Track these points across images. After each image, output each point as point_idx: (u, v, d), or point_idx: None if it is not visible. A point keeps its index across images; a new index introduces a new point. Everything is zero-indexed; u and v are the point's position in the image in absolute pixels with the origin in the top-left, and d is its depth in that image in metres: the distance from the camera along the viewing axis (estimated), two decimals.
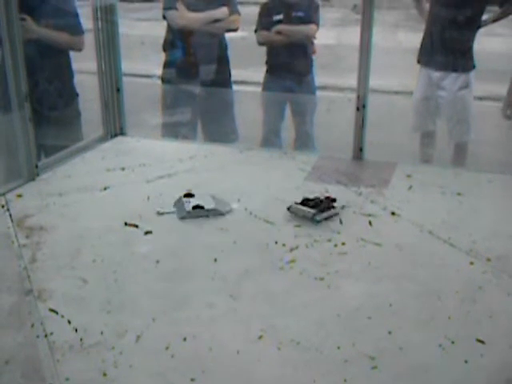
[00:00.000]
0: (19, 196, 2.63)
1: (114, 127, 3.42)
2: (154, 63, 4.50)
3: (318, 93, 4.53)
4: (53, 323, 1.75)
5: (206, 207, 2.43)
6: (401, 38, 7.56)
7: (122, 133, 3.45)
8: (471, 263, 2.08)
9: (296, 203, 2.43)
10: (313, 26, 4.19)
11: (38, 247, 2.18)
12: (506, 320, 1.77)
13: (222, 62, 4.20)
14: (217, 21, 4.07)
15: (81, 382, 1.54)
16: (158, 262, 2.08)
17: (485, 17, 4.02)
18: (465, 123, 4.12)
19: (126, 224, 2.35)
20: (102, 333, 1.70)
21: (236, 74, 4.36)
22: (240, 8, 4.16)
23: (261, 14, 4.29)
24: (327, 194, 2.54)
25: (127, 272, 2.03)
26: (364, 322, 1.76)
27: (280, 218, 2.40)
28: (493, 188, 2.74)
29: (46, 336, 1.69)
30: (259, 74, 4.43)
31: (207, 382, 1.53)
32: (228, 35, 4.20)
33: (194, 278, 2.00)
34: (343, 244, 2.20)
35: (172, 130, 4.21)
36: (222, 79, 4.23)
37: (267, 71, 4.36)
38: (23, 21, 3.07)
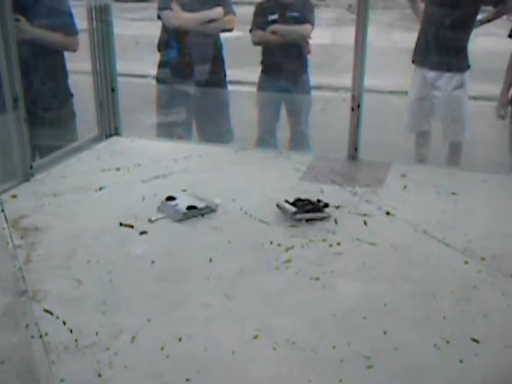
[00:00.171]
0: (14, 197, 2.62)
1: (109, 127, 3.41)
2: (148, 63, 4.50)
3: (313, 93, 4.54)
4: (48, 324, 1.74)
5: (199, 206, 2.43)
6: (396, 37, 7.58)
7: (116, 133, 3.44)
8: (466, 263, 2.08)
9: (286, 201, 2.43)
10: (308, 26, 4.20)
11: (33, 248, 2.17)
12: (501, 319, 1.78)
13: (217, 62, 4.20)
14: (212, 21, 4.07)
15: (76, 382, 1.54)
16: (153, 262, 2.08)
17: (479, 17, 4.03)
18: (459, 123, 4.14)
19: (121, 224, 2.34)
20: (97, 333, 1.70)
21: (231, 73, 4.36)
22: (235, 8, 4.16)
23: (256, 14, 4.29)
24: (322, 198, 2.53)
25: (122, 272, 2.02)
26: (359, 321, 1.77)
27: (275, 217, 2.40)
28: (487, 188, 2.75)
29: (40, 337, 1.69)
30: (254, 73, 4.43)
31: (202, 382, 1.53)
32: (223, 35, 4.20)
33: (189, 278, 2.00)
34: (338, 244, 2.20)
35: (167, 130, 4.21)
36: (217, 79, 4.23)
37: (262, 71, 4.36)
38: (17, 21, 3.07)
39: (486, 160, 3.96)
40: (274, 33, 4.18)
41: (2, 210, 2.47)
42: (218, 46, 4.19)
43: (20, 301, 1.86)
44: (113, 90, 3.36)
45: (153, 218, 2.37)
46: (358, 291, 1.92)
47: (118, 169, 2.91)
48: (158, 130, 4.28)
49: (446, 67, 4.01)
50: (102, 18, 3.22)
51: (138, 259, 2.11)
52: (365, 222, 2.37)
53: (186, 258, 2.12)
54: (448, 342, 1.66)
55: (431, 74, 4.07)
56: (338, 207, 2.48)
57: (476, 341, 1.67)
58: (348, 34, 3.17)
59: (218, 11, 4.07)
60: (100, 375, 1.55)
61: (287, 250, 2.16)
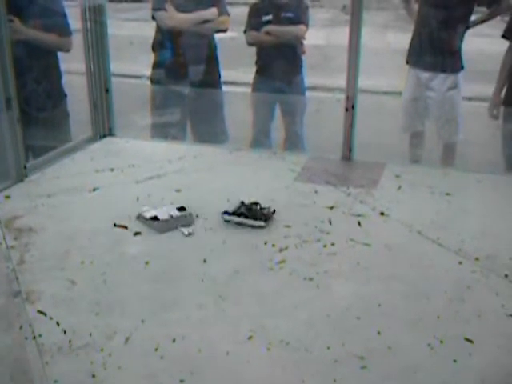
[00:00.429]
0: (7, 197, 2.61)
1: (103, 128, 3.41)
2: (143, 64, 4.49)
3: (308, 93, 4.54)
4: (41, 325, 1.74)
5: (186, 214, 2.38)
6: (390, 38, 7.60)
7: (110, 133, 3.43)
8: (460, 263, 2.09)
9: (242, 203, 2.43)
10: (302, 27, 4.20)
11: (27, 249, 2.17)
12: (495, 319, 1.78)
13: (212, 62, 4.20)
14: (206, 21, 4.07)
15: (69, 383, 1.53)
16: (147, 263, 2.08)
17: (473, 18, 4.04)
18: (453, 123, 4.14)
19: (115, 225, 2.34)
20: (90, 334, 1.69)
21: (225, 74, 4.36)
22: (229, 8, 4.16)
23: (250, 15, 4.29)
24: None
25: (116, 273, 2.02)
26: (353, 322, 1.77)
27: (270, 218, 2.40)
28: (481, 188, 2.76)
29: (34, 338, 1.68)
30: (249, 74, 4.44)
31: (196, 383, 1.53)
32: (217, 36, 4.20)
33: (183, 278, 2.00)
34: (332, 244, 2.20)
35: (161, 131, 4.20)
36: (212, 80, 4.23)
37: (257, 72, 4.36)
38: (11, 22, 3.06)
39: (480, 160, 3.97)
40: (268, 33, 4.18)
41: None
42: (212, 47, 4.19)
43: (14, 302, 1.86)
44: (107, 90, 3.35)
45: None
46: (352, 291, 1.92)
47: (112, 169, 2.91)
48: (153, 130, 4.27)
49: (439, 68, 4.02)
50: (96, 18, 3.22)
51: (132, 260, 2.10)
52: (359, 223, 2.38)
53: (180, 259, 2.12)
54: (442, 342, 1.67)
55: (425, 75, 4.08)
56: (332, 208, 2.48)
57: (470, 341, 1.67)
58: (342, 35, 3.18)
59: (212, 12, 4.06)
60: (94, 376, 1.54)
61: (281, 250, 2.16)
